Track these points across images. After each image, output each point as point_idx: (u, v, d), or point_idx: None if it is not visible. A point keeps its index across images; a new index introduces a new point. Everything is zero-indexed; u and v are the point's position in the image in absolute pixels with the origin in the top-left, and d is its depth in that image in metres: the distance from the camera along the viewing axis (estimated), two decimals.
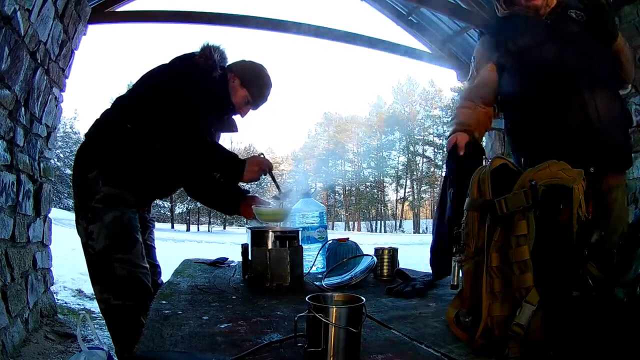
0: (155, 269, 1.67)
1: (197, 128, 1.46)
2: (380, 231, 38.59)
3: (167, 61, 1.55)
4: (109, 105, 1.57)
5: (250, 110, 1.66)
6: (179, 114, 1.39)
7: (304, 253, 1.33)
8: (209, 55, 1.50)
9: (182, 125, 1.40)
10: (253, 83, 1.60)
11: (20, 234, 2.47)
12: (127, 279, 1.40)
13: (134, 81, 1.58)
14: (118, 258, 1.39)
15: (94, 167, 1.44)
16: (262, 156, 1.54)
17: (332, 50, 74.33)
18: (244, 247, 1.37)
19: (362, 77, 73.77)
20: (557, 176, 0.71)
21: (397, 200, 42.28)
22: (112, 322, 1.43)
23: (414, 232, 35.20)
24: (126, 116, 1.45)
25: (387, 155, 42.22)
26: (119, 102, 1.54)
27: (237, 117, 1.72)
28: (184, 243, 13.40)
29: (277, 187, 1.57)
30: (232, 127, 1.73)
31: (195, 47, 1.53)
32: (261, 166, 1.49)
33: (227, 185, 1.66)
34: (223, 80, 1.56)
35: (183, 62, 1.51)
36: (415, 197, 40.29)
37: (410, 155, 40.81)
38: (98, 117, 1.54)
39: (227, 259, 1.69)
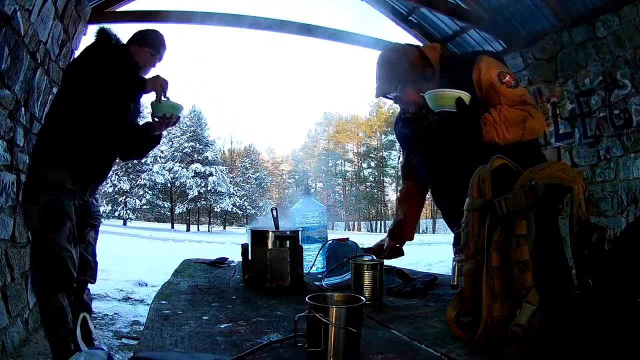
0: (92, 264, 1.85)
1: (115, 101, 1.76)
2: (380, 231, 38.54)
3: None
4: None
5: (158, 62, 1.96)
6: (95, 93, 1.68)
7: (304, 253, 1.32)
8: (103, 33, 1.84)
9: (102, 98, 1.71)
10: (147, 39, 1.92)
11: (20, 234, 2.47)
12: (52, 259, 1.59)
13: None
14: (45, 239, 1.60)
15: (36, 156, 1.77)
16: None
17: (332, 50, 74.29)
18: (244, 247, 1.37)
19: (362, 77, 73.67)
20: (557, 176, 0.71)
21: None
22: (36, 294, 1.78)
23: None
24: (54, 111, 1.83)
25: (387, 155, 42.19)
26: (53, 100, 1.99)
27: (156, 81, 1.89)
28: (184, 243, 13.41)
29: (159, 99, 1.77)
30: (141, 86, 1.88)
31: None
32: (156, 79, 1.74)
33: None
34: (124, 50, 1.84)
35: (85, 51, 1.82)
36: None
37: None
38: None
39: (227, 259, 1.69)
